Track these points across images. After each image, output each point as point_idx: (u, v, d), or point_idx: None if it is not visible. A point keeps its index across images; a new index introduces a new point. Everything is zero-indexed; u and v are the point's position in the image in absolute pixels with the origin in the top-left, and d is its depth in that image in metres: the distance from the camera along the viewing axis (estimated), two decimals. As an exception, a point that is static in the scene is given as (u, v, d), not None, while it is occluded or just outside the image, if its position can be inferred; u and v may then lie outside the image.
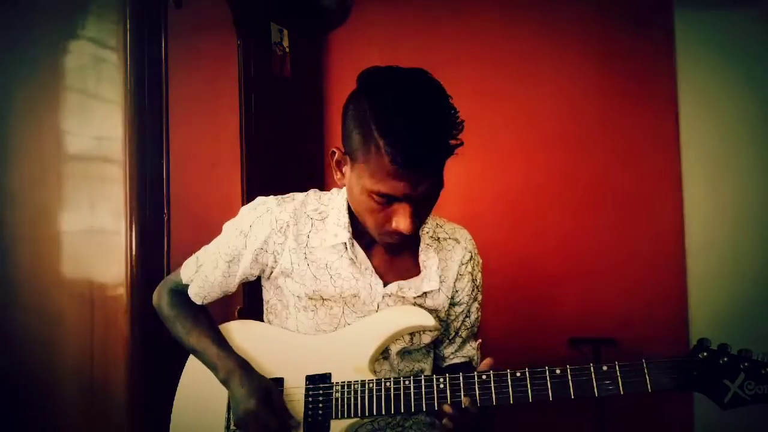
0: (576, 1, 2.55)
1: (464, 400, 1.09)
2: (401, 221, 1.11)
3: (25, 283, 1.75)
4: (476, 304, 1.36)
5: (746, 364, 1.02)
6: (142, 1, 1.73)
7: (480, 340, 1.38)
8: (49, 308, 1.72)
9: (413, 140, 1.02)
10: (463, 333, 1.35)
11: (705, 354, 1.04)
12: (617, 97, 2.51)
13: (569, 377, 1.07)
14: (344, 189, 1.25)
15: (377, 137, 1.05)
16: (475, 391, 1.10)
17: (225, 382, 1.22)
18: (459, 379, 1.12)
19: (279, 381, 1.23)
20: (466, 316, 1.34)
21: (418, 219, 1.13)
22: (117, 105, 1.69)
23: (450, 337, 1.35)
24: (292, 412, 1.19)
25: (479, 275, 1.35)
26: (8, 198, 1.77)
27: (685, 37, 2.43)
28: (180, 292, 1.35)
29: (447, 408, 1.10)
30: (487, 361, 1.13)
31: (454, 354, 1.35)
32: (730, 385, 1.02)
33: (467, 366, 1.34)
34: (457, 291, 1.31)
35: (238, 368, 1.21)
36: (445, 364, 1.36)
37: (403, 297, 1.25)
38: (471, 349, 1.36)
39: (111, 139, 1.70)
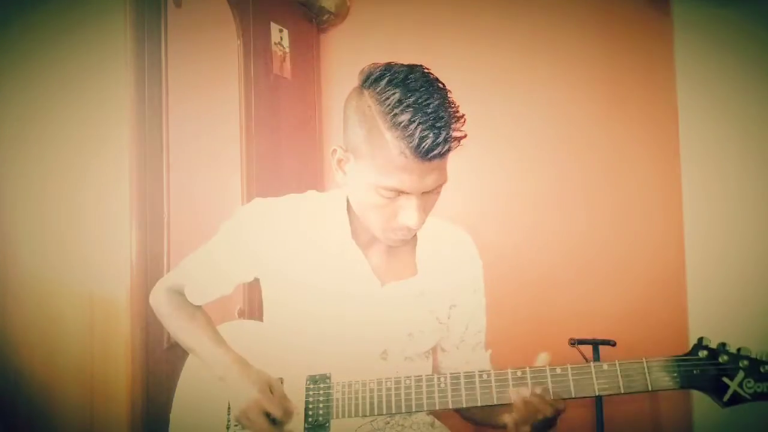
0: (575, 1, 2.56)
1: (537, 389, 1.07)
2: (409, 216, 1.11)
3: (26, 284, 1.74)
4: (480, 308, 1.34)
5: (745, 362, 1.02)
6: (142, 1, 1.73)
7: (490, 351, 1.36)
8: (50, 308, 1.72)
9: (421, 132, 1.03)
10: (471, 340, 1.34)
11: (704, 353, 1.04)
12: (617, 97, 2.51)
13: (570, 376, 1.07)
14: (342, 189, 1.25)
15: (384, 131, 1.06)
16: (476, 390, 1.10)
17: (223, 379, 1.21)
18: (459, 379, 1.12)
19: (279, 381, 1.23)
20: (470, 320, 1.33)
21: (424, 213, 1.14)
22: (117, 105, 1.69)
23: (456, 344, 1.33)
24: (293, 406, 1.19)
25: (480, 276, 1.34)
26: (9, 198, 1.77)
27: (684, 36, 2.43)
28: (177, 292, 1.35)
29: (524, 395, 1.07)
30: (545, 357, 1.11)
31: (465, 366, 1.33)
32: (729, 383, 1.02)
33: None
34: (456, 292, 1.30)
35: (235, 364, 1.21)
36: None
37: (401, 297, 1.25)
38: (483, 362, 1.34)
39: (111, 139, 1.70)
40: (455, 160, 1.12)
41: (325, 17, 2.68)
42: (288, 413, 1.16)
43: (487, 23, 2.62)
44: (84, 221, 1.72)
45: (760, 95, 2.36)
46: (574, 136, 2.54)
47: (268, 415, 1.14)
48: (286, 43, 2.40)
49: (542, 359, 1.11)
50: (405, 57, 1.20)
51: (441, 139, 1.04)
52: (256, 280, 1.34)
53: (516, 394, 1.08)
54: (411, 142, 1.03)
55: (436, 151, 1.04)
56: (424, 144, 1.03)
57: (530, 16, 2.58)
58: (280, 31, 2.38)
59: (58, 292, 1.72)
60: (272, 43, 2.33)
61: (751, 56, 2.36)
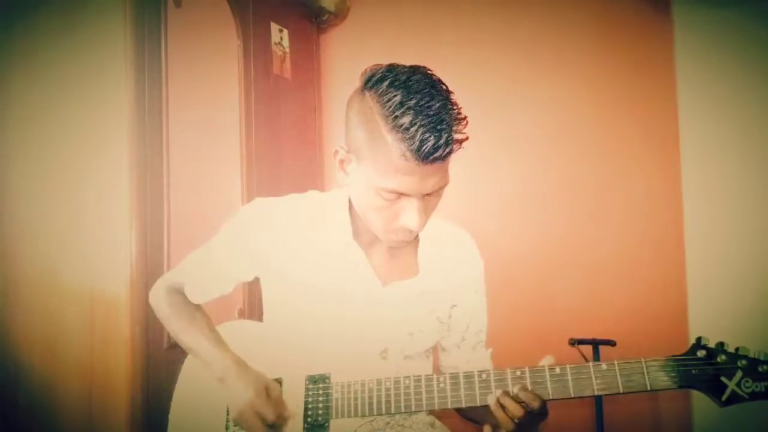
0: (575, 1, 2.56)
1: (514, 388, 1.08)
2: (409, 218, 1.11)
3: (26, 283, 1.75)
4: (481, 308, 1.34)
5: (743, 361, 1.02)
6: (142, 1, 1.73)
7: (491, 349, 1.37)
8: (50, 308, 1.72)
9: (422, 135, 1.03)
10: (471, 339, 1.34)
11: (703, 352, 1.04)
12: (617, 97, 2.51)
13: (569, 376, 1.07)
14: (344, 189, 1.25)
15: (385, 133, 1.05)
16: (475, 390, 1.10)
17: (221, 380, 1.21)
18: (459, 379, 1.12)
19: (278, 381, 1.22)
20: (471, 320, 1.33)
21: (426, 215, 1.14)
22: (117, 105, 1.69)
23: (456, 344, 1.34)
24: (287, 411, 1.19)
25: (481, 276, 1.34)
26: (9, 198, 1.78)
27: (685, 36, 2.43)
28: (177, 291, 1.34)
29: (500, 397, 1.07)
30: (550, 358, 1.11)
31: (466, 365, 1.33)
32: (727, 382, 1.02)
33: None
34: (457, 292, 1.30)
35: (234, 366, 1.21)
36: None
37: (402, 297, 1.25)
38: (484, 360, 1.35)
39: (111, 138, 1.70)
40: (456, 161, 1.12)
41: (325, 17, 2.68)
42: (282, 418, 1.16)
43: (488, 22, 2.62)
44: (84, 221, 1.72)
45: (760, 95, 2.36)
46: (575, 136, 2.54)
47: (264, 417, 1.15)
48: (286, 43, 2.41)
49: (546, 362, 1.11)
50: (405, 56, 1.20)
51: (442, 141, 1.04)
52: (256, 280, 1.34)
53: (492, 398, 1.08)
54: (412, 145, 1.03)
55: (437, 154, 1.04)
56: (425, 147, 1.03)
57: (531, 16, 2.58)
58: (280, 31, 2.38)
59: (58, 292, 1.72)
60: (272, 43, 2.34)
61: (752, 56, 2.36)
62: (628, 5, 2.51)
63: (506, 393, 1.08)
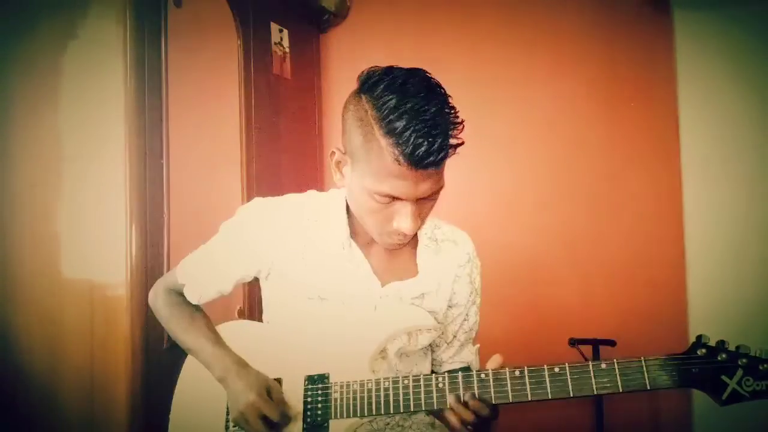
0: (575, 2, 2.56)
1: (465, 395, 1.09)
2: (403, 221, 1.11)
3: (26, 283, 1.75)
4: (474, 308, 1.35)
5: (744, 360, 1.01)
6: (142, 1, 1.74)
7: (478, 345, 1.38)
8: (50, 308, 1.72)
9: (415, 140, 1.02)
10: (461, 337, 1.35)
11: (703, 351, 1.03)
12: (618, 97, 2.51)
13: (568, 375, 1.07)
14: (342, 189, 1.25)
15: (379, 137, 1.05)
16: (474, 390, 1.10)
17: (222, 380, 1.22)
18: (458, 378, 1.12)
19: (277, 381, 1.23)
20: (464, 320, 1.34)
21: (420, 219, 1.13)
22: (117, 105, 1.69)
23: (448, 341, 1.34)
24: (291, 410, 1.19)
25: (477, 278, 1.34)
26: (9, 198, 1.78)
27: (685, 36, 2.43)
28: (176, 292, 1.35)
29: (452, 403, 1.09)
30: (497, 357, 1.12)
31: (451, 359, 1.35)
32: (728, 381, 1.01)
33: (465, 371, 1.34)
34: (454, 293, 1.31)
35: (234, 366, 1.21)
36: (443, 369, 1.35)
37: (401, 298, 1.25)
38: (469, 354, 1.36)
39: (111, 139, 1.70)
40: (456, 160, 1.11)
41: (325, 17, 2.68)
42: (285, 417, 1.16)
43: (488, 23, 2.62)
44: (84, 221, 1.72)
45: (760, 95, 2.36)
46: (575, 135, 2.53)
47: (265, 418, 1.15)
48: (286, 43, 2.41)
49: (494, 360, 1.12)
50: (405, 57, 1.20)
51: (435, 147, 1.03)
52: (256, 280, 1.34)
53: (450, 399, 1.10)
54: (405, 150, 1.03)
55: (430, 159, 1.03)
56: (418, 152, 1.02)
57: (531, 16, 2.58)
58: (280, 31, 2.38)
59: (58, 293, 1.72)
60: (272, 43, 2.34)
61: (752, 56, 2.36)
62: (628, 5, 2.51)
63: (457, 399, 1.09)
